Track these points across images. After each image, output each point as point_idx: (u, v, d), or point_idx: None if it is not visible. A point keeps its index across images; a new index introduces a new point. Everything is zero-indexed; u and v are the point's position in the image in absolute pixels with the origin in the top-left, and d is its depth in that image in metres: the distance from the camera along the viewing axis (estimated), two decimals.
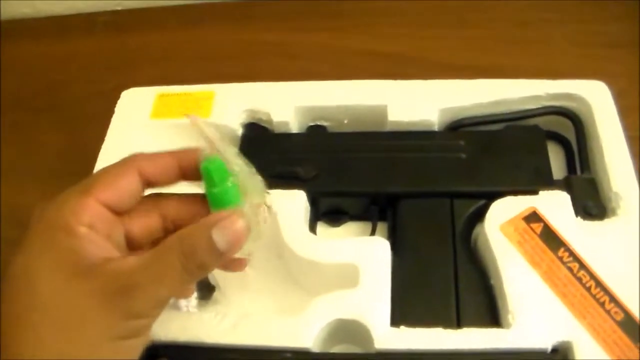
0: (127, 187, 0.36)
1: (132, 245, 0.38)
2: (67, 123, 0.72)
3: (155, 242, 0.37)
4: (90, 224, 0.34)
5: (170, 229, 0.39)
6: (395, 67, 0.60)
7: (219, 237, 0.33)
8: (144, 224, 0.38)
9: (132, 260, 0.34)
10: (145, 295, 0.33)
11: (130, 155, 0.38)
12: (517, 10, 0.75)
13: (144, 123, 0.58)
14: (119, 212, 0.37)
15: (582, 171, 0.53)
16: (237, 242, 0.35)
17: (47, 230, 0.34)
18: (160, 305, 0.35)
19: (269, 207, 0.38)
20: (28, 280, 0.33)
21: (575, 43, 0.70)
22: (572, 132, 0.56)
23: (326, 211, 0.54)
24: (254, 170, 0.38)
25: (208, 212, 0.37)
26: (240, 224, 0.34)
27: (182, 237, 0.34)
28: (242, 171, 0.38)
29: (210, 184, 0.37)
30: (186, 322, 0.45)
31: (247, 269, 0.42)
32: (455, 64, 0.68)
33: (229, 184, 0.37)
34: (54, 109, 0.74)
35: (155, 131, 0.58)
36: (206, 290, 0.49)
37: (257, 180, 0.38)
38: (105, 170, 0.37)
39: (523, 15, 0.74)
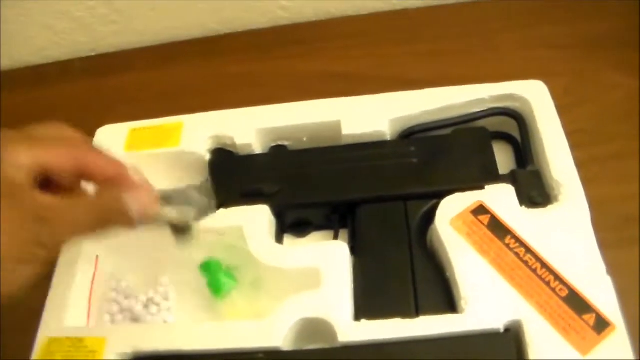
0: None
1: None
2: None
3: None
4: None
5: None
6: (350, 86, 0.64)
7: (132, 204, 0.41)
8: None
9: (55, 199, 0.39)
10: (56, 230, 0.38)
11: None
12: (464, 21, 0.79)
13: (118, 156, 0.62)
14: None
15: (528, 164, 0.57)
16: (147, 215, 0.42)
17: None
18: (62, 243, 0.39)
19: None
20: None
21: (520, 47, 0.74)
22: (517, 130, 0.60)
23: (292, 223, 0.57)
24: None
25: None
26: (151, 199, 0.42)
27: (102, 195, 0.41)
28: None
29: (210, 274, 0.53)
30: (164, 332, 0.49)
31: None
32: (407, 78, 0.72)
33: (223, 275, 0.53)
34: None
35: (129, 163, 0.61)
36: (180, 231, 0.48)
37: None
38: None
39: (470, 25, 0.78)
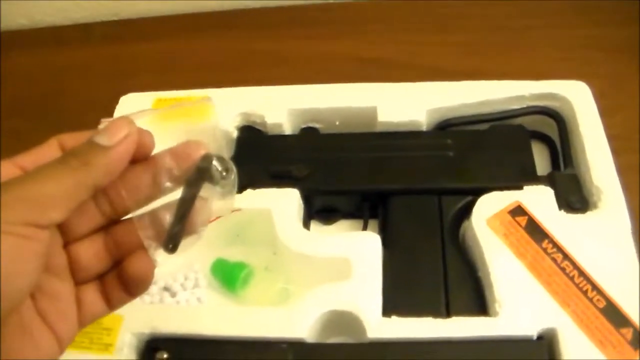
0: (44, 153, 0.35)
1: None
2: (66, 130, 0.73)
3: None
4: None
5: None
6: (382, 72, 0.62)
7: (100, 137, 0.32)
8: None
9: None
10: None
11: None
12: (501, 16, 0.77)
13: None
14: None
15: (566, 167, 0.55)
16: (121, 134, 0.33)
17: None
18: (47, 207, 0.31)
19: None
20: None
21: (557, 47, 0.72)
22: (555, 131, 0.58)
23: (319, 209, 0.56)
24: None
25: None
26: (124, 130, 0.33)
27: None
28: None
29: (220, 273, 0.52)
30: (185, 315, 0.47)
31: None
32: (441, 68, 0.70)
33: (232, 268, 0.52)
34: (52, 117, 0.75)
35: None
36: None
37: None
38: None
39: (507, 20, 0.76)
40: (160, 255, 0.35)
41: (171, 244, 0.34)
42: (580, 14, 0.76)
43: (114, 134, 0.33)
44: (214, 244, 0.53)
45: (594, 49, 0.72)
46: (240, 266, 0.52)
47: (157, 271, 0.52)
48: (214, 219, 0.36)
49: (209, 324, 0.46)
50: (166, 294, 0.52)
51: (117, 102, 0.64)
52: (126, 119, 0.34)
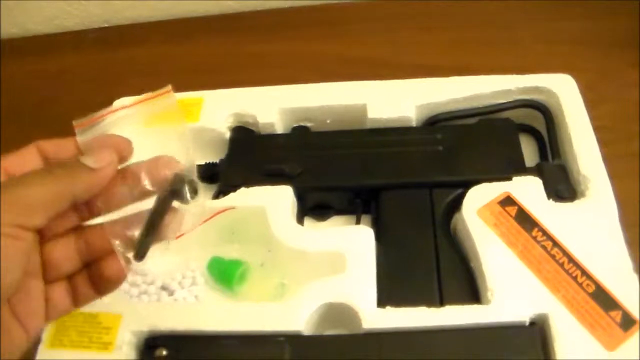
0: (24, 156, 0.36)
1: None
2: (59, 136, 0.74)
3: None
4: None
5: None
6: (370, 70, 0.63)
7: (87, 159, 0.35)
8: None
9: None
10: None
11: None
12: (485, 12, 0.78)
13: (136, 129, 0.60)
14: None
15: (553, 158, 0.56)
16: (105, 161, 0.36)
17: None
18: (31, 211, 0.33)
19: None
20: None
21: (542, 41, 0.73)
22: (542, 123, 0.59)
23: (313, 206, 0.56)
24: None
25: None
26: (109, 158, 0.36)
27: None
28: None
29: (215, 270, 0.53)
30: (183, 312, 0.48)
31: None
32: (428, 65, 0.71)
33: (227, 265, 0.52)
34: (45, 123, 0.75)
35: (147, 137, 0.60)
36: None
37: None
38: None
39: (492, 16, 0.77)
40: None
41: (139, 253, 0.36)
42: (564, 8, 0.77)
43: (100, 159, 0.36)
44: (209, 242, 0.54)
45: (580, 42, 0.73)
46: (236, 264, 0.53)
47: (154, 270, 0.53)
48: (180, 236, 0.38)
49: (206, 320, 0.47)
50: (164, 293, 0.52)
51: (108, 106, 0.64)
52: (110, 151, 0.37)
